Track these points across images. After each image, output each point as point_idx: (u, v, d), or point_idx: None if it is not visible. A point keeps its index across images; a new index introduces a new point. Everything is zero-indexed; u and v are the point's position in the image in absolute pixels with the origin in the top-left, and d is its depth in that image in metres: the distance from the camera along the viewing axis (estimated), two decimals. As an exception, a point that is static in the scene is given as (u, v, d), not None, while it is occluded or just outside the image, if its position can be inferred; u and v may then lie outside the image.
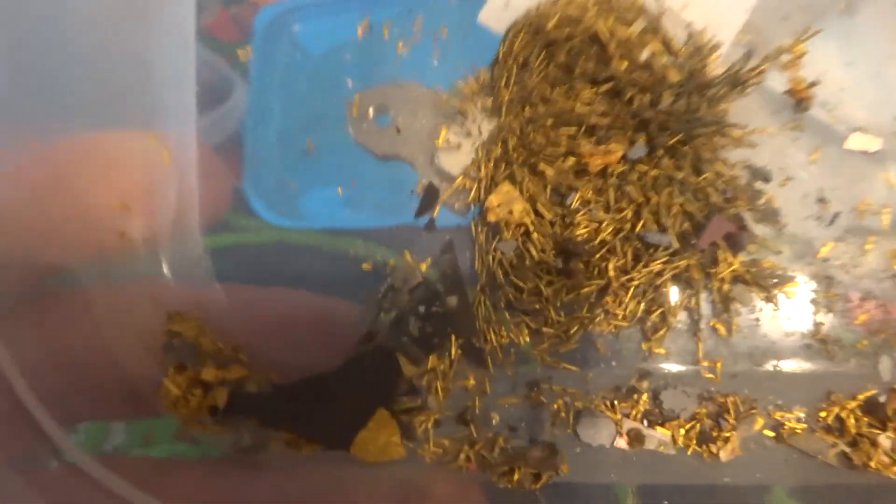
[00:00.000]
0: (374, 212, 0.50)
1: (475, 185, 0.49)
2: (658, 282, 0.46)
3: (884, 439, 0.46)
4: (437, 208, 0.49)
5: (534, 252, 0.47)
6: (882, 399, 0.47)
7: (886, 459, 0.46)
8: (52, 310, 0.46)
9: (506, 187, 0.47)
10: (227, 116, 0.52)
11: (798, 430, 0.47)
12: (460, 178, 0.49)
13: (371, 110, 0.51)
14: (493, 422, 0.48)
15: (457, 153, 0.50)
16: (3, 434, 0.40)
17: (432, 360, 0.47)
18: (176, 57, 0.52)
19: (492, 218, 0.47)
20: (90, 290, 0.47)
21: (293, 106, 0.52)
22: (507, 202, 0.47)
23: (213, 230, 0.51)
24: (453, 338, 0.47)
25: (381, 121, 0.51)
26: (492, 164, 0.48)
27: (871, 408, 0.47)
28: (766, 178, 0.48)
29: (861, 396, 0.47)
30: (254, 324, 0.49)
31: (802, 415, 0.47)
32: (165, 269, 0.50)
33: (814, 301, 0.48)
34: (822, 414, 0.47)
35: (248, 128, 0.52)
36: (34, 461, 0.41)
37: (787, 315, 0.48)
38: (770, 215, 0.48)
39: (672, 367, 0.48)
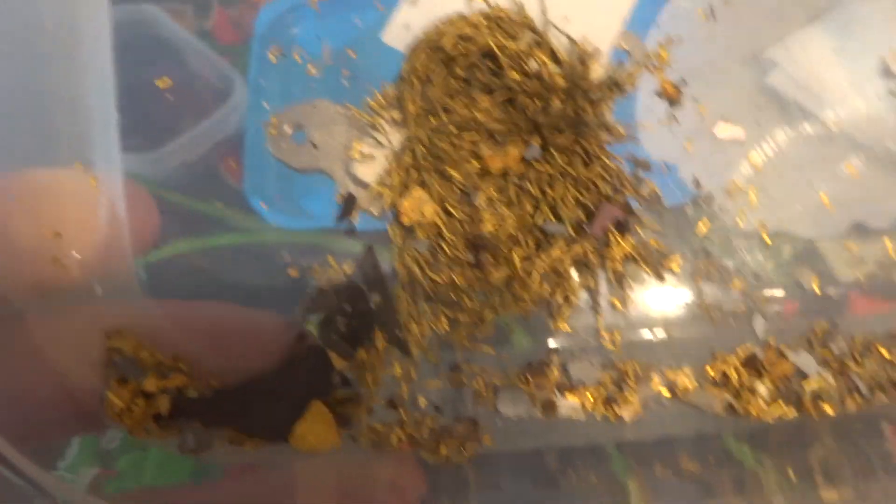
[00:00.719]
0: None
1: (388, 192, 0.53)
2: (560, 267, 0.52)
3: (760, 387, 0.52)
4: (356, 214, 0.54)
5: (446, 249, 0.52)
6: (758, 353, 0.53)
7: (764, 406, 0.52)
8: None
9: (416, 192, 0.52)
10: (227, 116, 0.53)
11: (690, 388, 0.53)
12: (376, 186, 0.54)
13: (287, 128, 0.55)
14: (422, 405, 0.52)
15: (371, 163, 0.54)
16: None
17: (361, 354, 0.51)
18: (99, 90, 0.54)
19: (405, 221, 0.51)
20: (29, 316, 0.49)
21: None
22: (419, 205, 0.51)
23: (158, 247, 0.54)
24: (379, 331, 0.52)
25: (298, 137, 0.55)
26: (403, 172, 0.53)
27: (749, 362, 0.53)
28: (647, 167, 0.55)
29: (741, 352, 0.53)
30: (188, 336, 0.52)
31: (692, 373, 0.53)
32: (100, 291, 0.52)
33: (695, 273, 0.54)
34: (709, 370, 0.53)
35: (248, 128, 0.53)
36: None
37: (673, 287, 0.54)
38: (653, 200, 0.54)
39: (577, 341, 0.54)
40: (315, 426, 0.50)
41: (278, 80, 0.55)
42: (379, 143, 0.54)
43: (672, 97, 0.54)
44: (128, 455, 0.51)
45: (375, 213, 0.54)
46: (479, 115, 0.53)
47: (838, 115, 0.55)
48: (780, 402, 0.52)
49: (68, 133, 0.53)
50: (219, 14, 0.55)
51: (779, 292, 0.54)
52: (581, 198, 0.52)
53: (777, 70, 0.56)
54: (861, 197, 0.55)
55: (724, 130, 0.55)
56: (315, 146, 0.54)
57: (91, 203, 0.52)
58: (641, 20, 0.57)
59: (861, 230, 0.55)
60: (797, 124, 0.55)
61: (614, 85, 0.53)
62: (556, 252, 0.52)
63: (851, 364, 0.52)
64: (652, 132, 0.55)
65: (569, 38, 0.55)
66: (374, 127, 0.54)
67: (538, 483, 0.51)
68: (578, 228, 0.52)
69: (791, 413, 0.52)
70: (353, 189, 0.54)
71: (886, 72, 0.55)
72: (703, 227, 0.54)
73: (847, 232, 0.55)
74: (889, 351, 0.53)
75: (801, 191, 0.54)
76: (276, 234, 0.56)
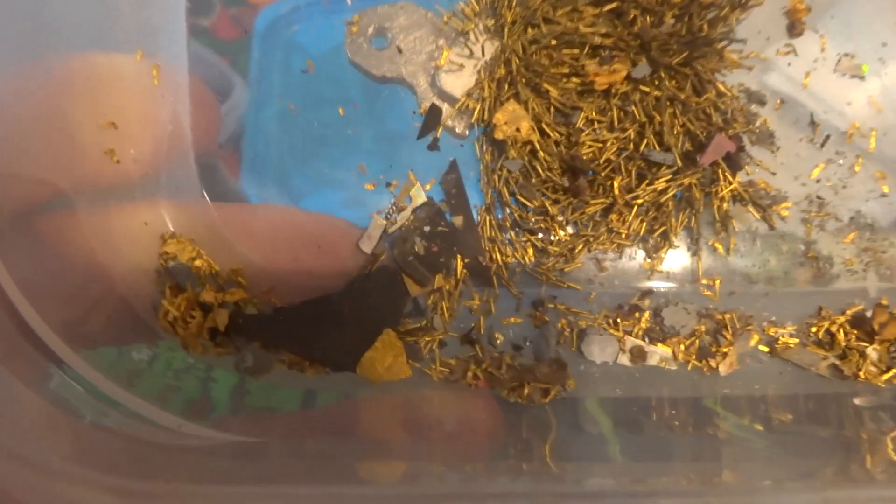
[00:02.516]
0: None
1: (478, 106, 0.48)
2: (661, 200, 0.47)
3: (871, 351, 0.48)
4: (440, 129, 0.49)
5: (540, 170, 0.47)
6: (869, 314, 0.49)
7: (874, 369, 0.48)
8: (46, 231, 0.44)
9: (511, 106, 0.47)
10: (227, 116, 0.51)
11: (791, 345, 0.48)
12: (463, 98, 0.49)
13: (370, 30, 0.50)
14: (498, 342, 0.48)
15: (459, 74, 0.49)
16: (5, 348, 0.38)
17: (438, 280, 0.47)
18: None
19: (499, 136, 0.46)
20: (82, 211, 0.45)
21: (293, 104, 0.51)
22: (514, 120, 0.46)
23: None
24: (459, 257, 0.47)
25: (378, 42, 0.50)
26: (495, 85, 0.48)
27: (858, 322, 0.48)
28: (762, 101, 0.50)
29: (849, 311, 0.49)
30: (251, 243, 0.48)
31: (795, 330, 0.49)
32: (158, 191, 0.48)
33: (805, 220, 0.49)
34: (814, 329, 0.49)
35: (248, 127, 0.51)
36: (37, 374, 0.39)
37: (781, 234, 0.49)
38: (765, 137, 0.49)
39: (672, 286, 0.49)
40: (384, 356, 0.46)
41: (279, 79, 0.51)
42: (470, 52, 0.49)
43: (796, 22, 0.48)
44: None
45: (459, 131, 0.49)
46: (582, 28, 0.47)
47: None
48: (894, 367, 0.47)
49: (132, 17, 0.48)
50: (219, 14, 0.52)
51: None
52: (690, 126, 0.47)
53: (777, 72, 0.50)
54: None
55: (846, 65, 0.50)
56: (400, 50, 0.49)
57: (152, 95, 0.48)
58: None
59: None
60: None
61: (737, 2, 0.47)
62: (659, 184, 0.47)
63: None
64: (767, 63, 0.50)
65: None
66: (464, 34, 0.49)
67: (622, 428, 0.47)
68: (685, 159, 0.47)
69: (904, 378, 0.47)
70: (437, 102, 0.49)
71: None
72: (817, 171, 0.49)
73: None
74: None
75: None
76: None
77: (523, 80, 0.48)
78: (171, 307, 0.45)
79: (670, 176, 0.47)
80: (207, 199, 0.48)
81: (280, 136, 0.50)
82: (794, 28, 0.49)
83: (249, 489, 0.36)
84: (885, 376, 0.47)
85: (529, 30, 0.48)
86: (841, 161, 0.50)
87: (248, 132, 0.51)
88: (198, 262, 0.47)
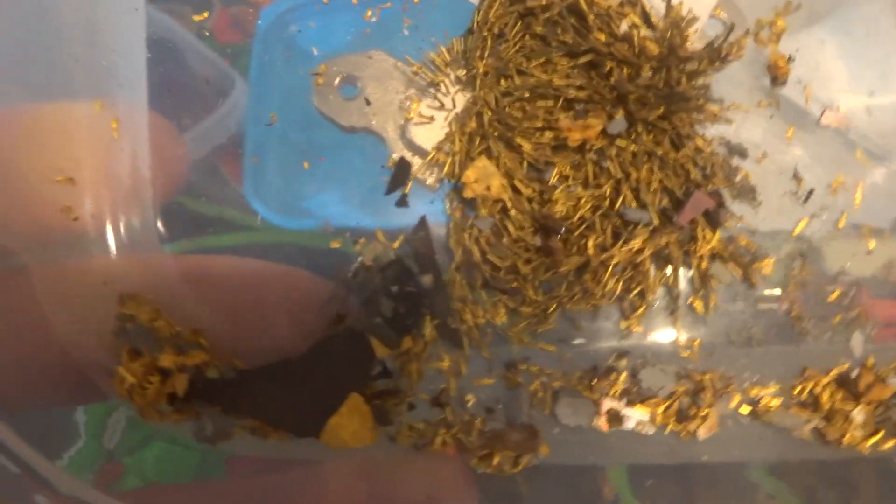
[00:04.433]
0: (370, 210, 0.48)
1: (449, 160, 0.47)
2: (638, 259, 0.45)
3: (857, 413, 0.46)
4: (409, 184, 0.47)
5: (511, 229, 0.45)
6: (854, 374, 0.47)
7: (859, 434, 0.46)
8: None
9: (482, 162, 0.45)
10: (227, 116, 0.50)
11: (773, 407, 0.47)
12: (433, 152, 0.47)
13: (337, 80, 0.48)
14: (469, 404, 0.46)
15: (429, 127, 0.48)
16: None
17: (406, 342, 0.45)
18: (124, 20, 0.48)
19: (468, 194, 0.45)
20: (34, 270, 0.43)
21: (293, 106, 0.50)
22: (484, 178, 0.45)
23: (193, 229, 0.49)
24: (428, 318, 0.46)
25: (347, 91, 0.49)
26: (466, 138, 0.47)
27: (844, 383, 0.47)
28: (743, 155, 0.48)
29: (834, 372, 0.47)
30: (213, 301, 0.46)
31: (777, 391, 0.47)
32: (115, 248, 0.46)
33: (788, 278, 0.48)
34: (797, 390, 0.47)
35: (248, 128, 0.50)
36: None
37: (763, 292, 0.48)
38: (747, 192, 0.48)
39: (650, 346, 0.47)
40: (350, 421, 0.44)
41: (279, 79, 0.51)
42: (440, 104, 0.48)
43: (778, 75, 0.47)
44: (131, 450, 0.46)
45: (430, 183, 0.48)
46: (557, 80, 0.46)
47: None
48: (880, 431, 0.45)
49: (87, 64, 0.46)
50: (219, 14, 0.51)
51: (885, 301, 0.47)
52: (668, 183, 0.46)
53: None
54: None
55: (831, 119, 0.49)
56: (368, 102, 0.48)
57: (111, 147, 0.46)
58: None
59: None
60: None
61: (714, 56, 0.46)
62: (636, 242, 0.45)
63: (960, 393, 0.46)
64: (749, 115, 0.48)
65: (665, 0, 0.48)
66: (435, 86, 0.48)
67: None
68: (663, 217, 0.45)
69: (890, 443, 0.46)
70: (407, 155, 0.48)
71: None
72: (800, 226, 0.48)
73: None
74: None
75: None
76: (276, 234, 0.50)
77: (495, 134, 0.46)
78: (128, 374, 0.43)
79: (647, 234, 0.45)
80: (167, 251, 0.46)
81: (281, 136, 0.49)
82: (777, 80, 0.48)
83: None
84: (870, 441, 0.46)
85: (502, 81, 0.47)
86: (825, 216, 0.48)
87: (248, 132, 0.50)
88: (158, 324, 0.45)
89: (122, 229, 0.46)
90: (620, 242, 0.45)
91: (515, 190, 0.46)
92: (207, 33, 0.51)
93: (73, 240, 0.45)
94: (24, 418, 0.41)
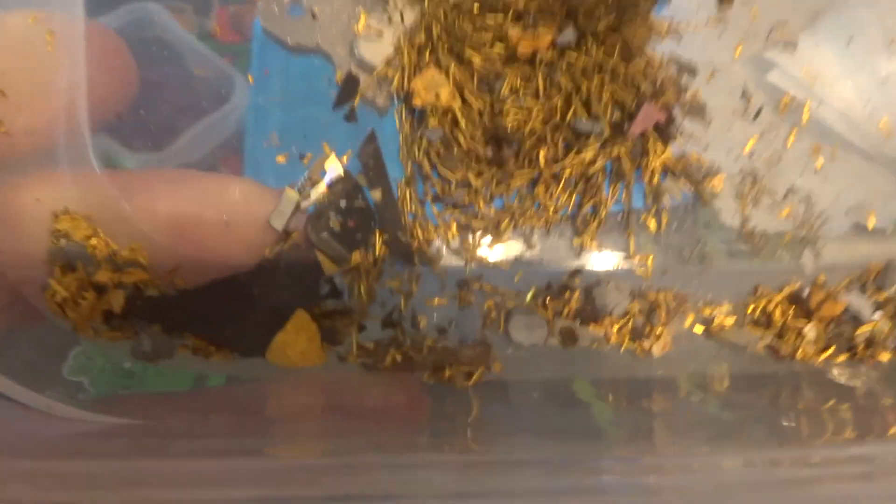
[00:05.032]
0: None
1: (398, 74, 0.46)
2: (590, 171, 0.45)
3: (809, 329, 0.46)
4: (357, 99, 0.46)
5: (462, 140, 0.44)
6: (806, 292, 0.47)
7: (811, 349, 0.46)
8: None
9: (431, 72, 0.44)
10: (227, 116, 0.50)
11: (727, 325, 0.46)
12: (382, 67, 0.46)
13: (285, -2, 0.47)
14: (421, 325, 0.45)
15: (378, 42, 0.47)
16: None
17: (355, 258, 0.44)
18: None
19: (417, 102, 0.44)
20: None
21: (293, 106, 0.49)
22: (433, 86, 0.44)
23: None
24: (378, 233, 0.44)
25: (294, 10, 0.48)
26: (416, 52, 0.46)
27: (796, 300, 0.47)
28: (693, 72, 0.48)
29: (786, 289, 0.47)
30: (153, 218, 0.44)
31: (731, 309, 0.47)
32: (52, 165, 0.44)
33: (740, 195, 0.48)
34: (750, 308, 0.47)
35: (247, 128, 0.49)
36: None
37: (715, 209, 0.47)
38: (697, 109, 0.47)
39: (604, 264, 0.47)
40: (297, 339, 0.43)
41: (279, 80, 0.50)
42: (389, 19, 0.47)
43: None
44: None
45: (379, 101, 0.47)
46: (507, -7, 0.45)
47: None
48: (832, 346, 0.45)
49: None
50: (219, 14, 0.52)
51: (835, 222, 0.47)
52: (619, 95, 0.45)
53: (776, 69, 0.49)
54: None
55: (778, 36, 0.49)
56: (314, 16, 0.47)
57: (46, 60, 0.44)
58: None
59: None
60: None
61: (665, -31, 0.46)
62: (588, 154, 0.45)
63: (909, 306, 0.46)
64: (698, 33, 0.48)
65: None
66: (383, 0, 0.47)
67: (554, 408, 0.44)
68: (614, 129, 0.45)
69: (841, 358, 0.46)
70: (356, 71, 0.47)
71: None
72: (750, 144, 0.48)
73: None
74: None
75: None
76: None
77: (445, 47, 0.46)
78: (60, 287, 0.41)
79: (598, 146, 0.45)
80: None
81: (281, 137, 0.48)
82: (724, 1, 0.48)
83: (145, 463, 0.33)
84: (823, 355, 0.46)
85: (452, -5, 0.46)
86: (774, 134, 0.48)
87: (248, 132, 0.49)
88: (93, 241, 0.43)
89: (60, 146, 0.44)
90: (572, 153, 0.45)
91: (465, 101, 0.45)
92: (207, 33, 0.51)
93: (5, 155, 0.43)
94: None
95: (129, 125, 0.49)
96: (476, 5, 0.45)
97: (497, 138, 0.44)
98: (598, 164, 0.45)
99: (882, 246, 0.49)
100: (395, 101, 0.46)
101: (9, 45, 0.43)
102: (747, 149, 0.48)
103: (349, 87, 0.46)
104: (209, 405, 0.43)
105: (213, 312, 0.43)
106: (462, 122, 0.44)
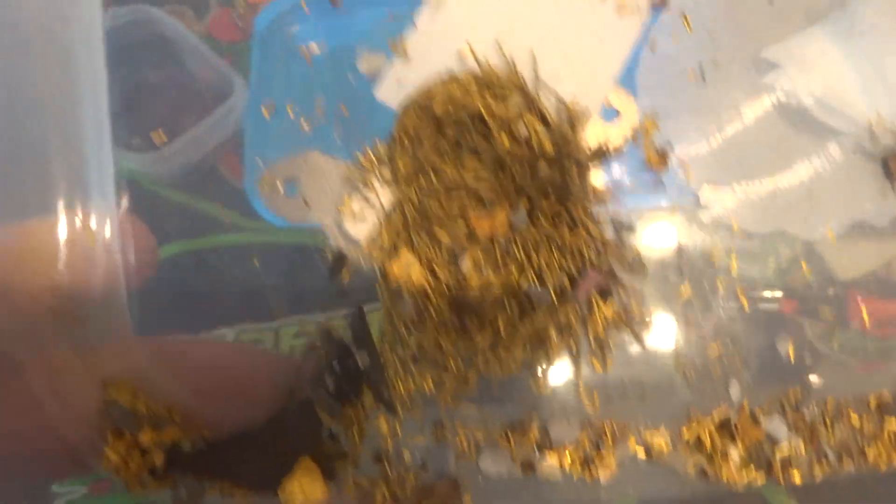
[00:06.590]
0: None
1: (378, 253, 0.54)
2: (542, 331, 0.53)
3: (733, 452, 0.54)
4: (347, 273, 0.55)
5: (432, 311, 0.53)
6: (733, 417, 0.55)
7: (734, 471, 0.54)
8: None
9: (404, 254, 0.53)
10: (226, 116, 0.52)
11: (665, 449, 0.55)
12: (366, 246, 0.55)
13: (279, 183, 0.56)
14: (407, 460, 0.55)
15: (362, 222, 0.55)
16: None
17: (348, 411, 0.53)
18: (93, 131, 0.55)
19: (393, 284, 0.53)
20: (28, 368, 0.51)
21: (293, 105, 0.53)
22: (406, 268, 0.53)
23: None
24: (366, 390, 0.54)
25: (290, 190, 0.56)
26: (393, 233, 0.54)
27: (724, 425, 0.55)
28: (631, 228, 0.55)
29: (716, 415, 0.55)
30: (184, 381, 0.54)
31: (668, 435, 0.55)
32: (94, 339, 0.53)
33: (674, 336, 0.56)
34: (685, 434, 0.55)
35: (247, 127, 0.52)
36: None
37: (654, 350, 0.55)
38: (636, 265, 0.55)
39: (557, 400, 0.55)
40: (304, 480, 0.52)
41: (279, 79, 0.55)
42: (370, 202, 0.55)
43: (658, 168, 0.54)
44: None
45: (366, 271, 0.55)
46: (467, 178, 0.53)
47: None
48: (751, 467, 0.54)
49: (65, 179, 0.53)
50: (219, 14, 0.55)
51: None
52: (565, 263, 0.53)
53: (776, 71, 0.55)
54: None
55: (708, 196, 0.56)
56: (307, 203, 0.55)
57: (87, 251, 0.53)
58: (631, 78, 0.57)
59: (860, 229, 0.55)
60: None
61: (600, 154, 0.53)
62: (539, 318, 0.53)
63: (822, 430, 0.54)
64: (636, 194, 0.56)
65: (558, 98, 0.55)
66: (365, 184, 0.55)
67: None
68: (562, 294, 0.53)
69: (761, 479, 0.54)
70: (345, 246, 0.55)
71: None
72: (685, 293, 0.56)
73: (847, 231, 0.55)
74: (859, 417, 0.55)
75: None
76: (276, 235, 0.57)
77: (417, 226, 0.54)
78: (114, 453, 0.51)
79: (548, 311, 0.53)
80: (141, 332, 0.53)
81: (281, 136, 0.53)
82: (659, 171, 0.55)
83: None
84: (745, 480, 0.54)
85: (421, 178, 0.54)
86: (705, 283, 0.56)
87: (248, 132, 0.52)
88: (138, 405, 0.53)
89: (99, 321, 0.54)
90: (526, 318, 0.53)
91: (435, 276, 0.53)
92: (207, 33, 0.54)
93: (59, 337, 0.53)
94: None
95: (128, 125, 0.52)
96: (441, 188, 0.54)
97: (461, 308, 0.53)
98: (549, 325, 0.53)
99: (882, 246, 0.56)
100: (378, 275, 0.55)
101: (58, 246, 0.53)
102: (682, 297, 0.56)
103: (338, 264, 0.55)
104: None
105: (235, 461, 0.53)
106: (432, 297, 0.53)
